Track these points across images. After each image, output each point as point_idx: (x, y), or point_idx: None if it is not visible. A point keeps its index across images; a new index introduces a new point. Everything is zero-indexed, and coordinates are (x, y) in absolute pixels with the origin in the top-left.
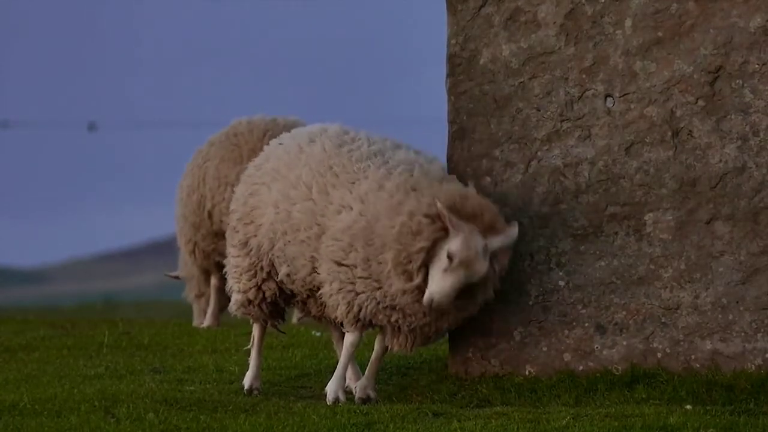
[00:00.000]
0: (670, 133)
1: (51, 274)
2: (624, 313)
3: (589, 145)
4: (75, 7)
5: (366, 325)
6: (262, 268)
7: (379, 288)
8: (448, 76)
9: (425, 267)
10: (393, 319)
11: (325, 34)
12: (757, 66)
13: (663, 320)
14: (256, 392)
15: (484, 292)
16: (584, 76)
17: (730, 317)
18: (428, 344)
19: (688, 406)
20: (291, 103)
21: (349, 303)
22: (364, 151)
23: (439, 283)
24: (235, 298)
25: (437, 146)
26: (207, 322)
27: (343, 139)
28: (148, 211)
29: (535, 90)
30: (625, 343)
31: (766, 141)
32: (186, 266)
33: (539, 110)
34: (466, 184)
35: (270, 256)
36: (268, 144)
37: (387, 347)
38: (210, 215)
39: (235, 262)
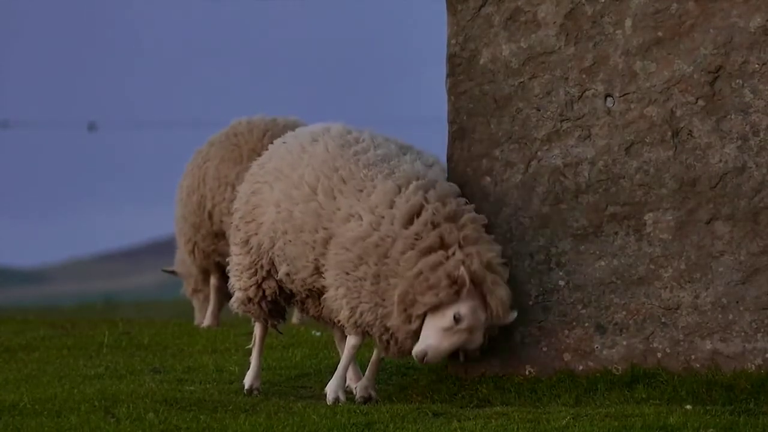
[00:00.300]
0: (670, 133)
1: (51, 274)
2: (624, 313)
3: (589, 145)
4: (75, 7)
5: (366, 332)
6: (262, 267)
7: (382, 306)
8: (448, 76)
9: (425, 315)
10: (384, 339)
11: (325, 34)
12: (757, 66)
13: (663, 320)
14: (256, 392)
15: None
16: (584, 76)
17: (730, 317)
18: None
19: (688, 406)
20: (291, 103)
21: (352, 309)
22: (371, 155)
23: (437, 340)
24: (236, 295)
25: (437, 146)
26: (207, 321)
27: (346, 140)
28: (148, 211)
29: (535, 90)
30: (625, 343)
31: (766, 141)
32: (184, 264)
33: (539, 110)
34: (464, 194)
35: (270, 254)
36: (268, 144)
37: None
38: (210, 215)
39: (236, 260)
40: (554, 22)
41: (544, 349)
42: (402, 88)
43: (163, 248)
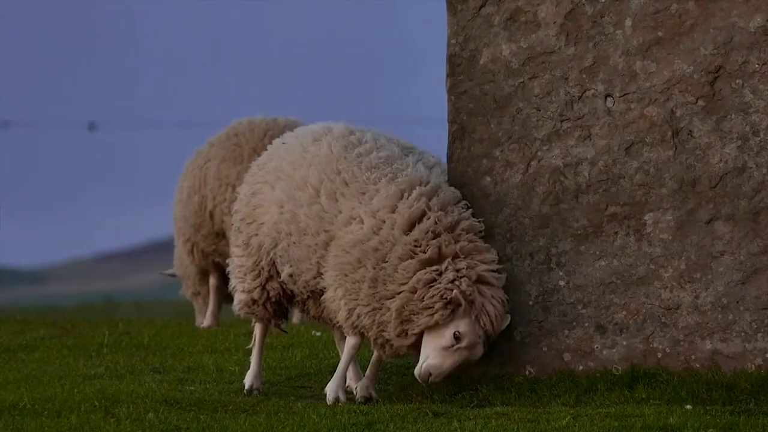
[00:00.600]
0: (670, 133)
1: (51, 274)
2: (624, 313)
3: (589, 145)
4: (75, 7)
5: (363, 333)
6: (264, 268)
7: (379, 310)
8: (448, 76)
9: (422, 333)
10: (380, 342)
11: (326, 34)
12: (757, 66)
13: (663, 320)
14: (256, 392)
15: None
16: (584, 76)
17: (730, 317)
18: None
19: (688, 406)
20: (291, 103)
21: (350, 310)
22: (374, 158)
23: (439, 360)
24: (239, 297)
25: (437, 146)
26: (207, 322)
27: (349, 140)
28: (148, 211)
29: (535, 90)
30: (625, 343)
31: (766, 141)
32: (182, 264)
33: (539, 110)
34: (464, 194)
35: (271, 255)
36: (269, 144)
37: None
38: (211, 215)
39: (239, 262)
40: (554, 22)
41: (544, 349)
42: (402, 88)
43: (163, 248)
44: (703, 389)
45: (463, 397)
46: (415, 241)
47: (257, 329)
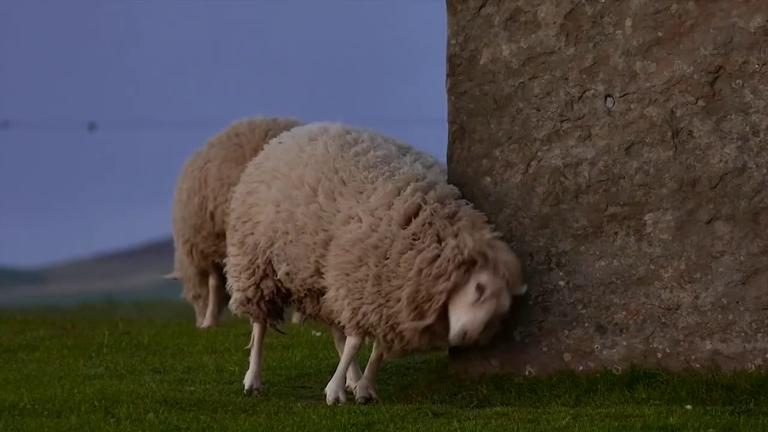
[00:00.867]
0: (670, 133)
1: (51, 274)
2: (624, 313)
3: (589, 145)
4: (75, 7)
5: (367, 332)
6: (258, 266)
7: (386, 305)
8: (448, 76)
9: (445, 306)
10: (389, 338)
11: (326, 34)
12: (757, 66)
13: (663, 320)
14: (256, 392)
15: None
16: (584, 76)
17: (730, 317)
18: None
19: (688, 406)
20: (291, 103)
21: (354, 310)
22: (371, 157)
23: (470, 317)
24: (235, 296)
25: (437, 146)
26: (206, 322)
27: (346, 140)
28: (148, 211)
29: (535, 90)
30: (625, 343)
31: (766, 141)
32: (182, 267)
33: (539, 110)
34: (464, 194)
35: (267, 254)
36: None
37: None
38: (212, 216)
39: (234, 261)
40: (554, 23)
41: (544, 349)
42: (402, 88)
43: (163, 248)
44: (703, 389)
45: (463, 397)
46: (413, 234)
47: (255, 329)
